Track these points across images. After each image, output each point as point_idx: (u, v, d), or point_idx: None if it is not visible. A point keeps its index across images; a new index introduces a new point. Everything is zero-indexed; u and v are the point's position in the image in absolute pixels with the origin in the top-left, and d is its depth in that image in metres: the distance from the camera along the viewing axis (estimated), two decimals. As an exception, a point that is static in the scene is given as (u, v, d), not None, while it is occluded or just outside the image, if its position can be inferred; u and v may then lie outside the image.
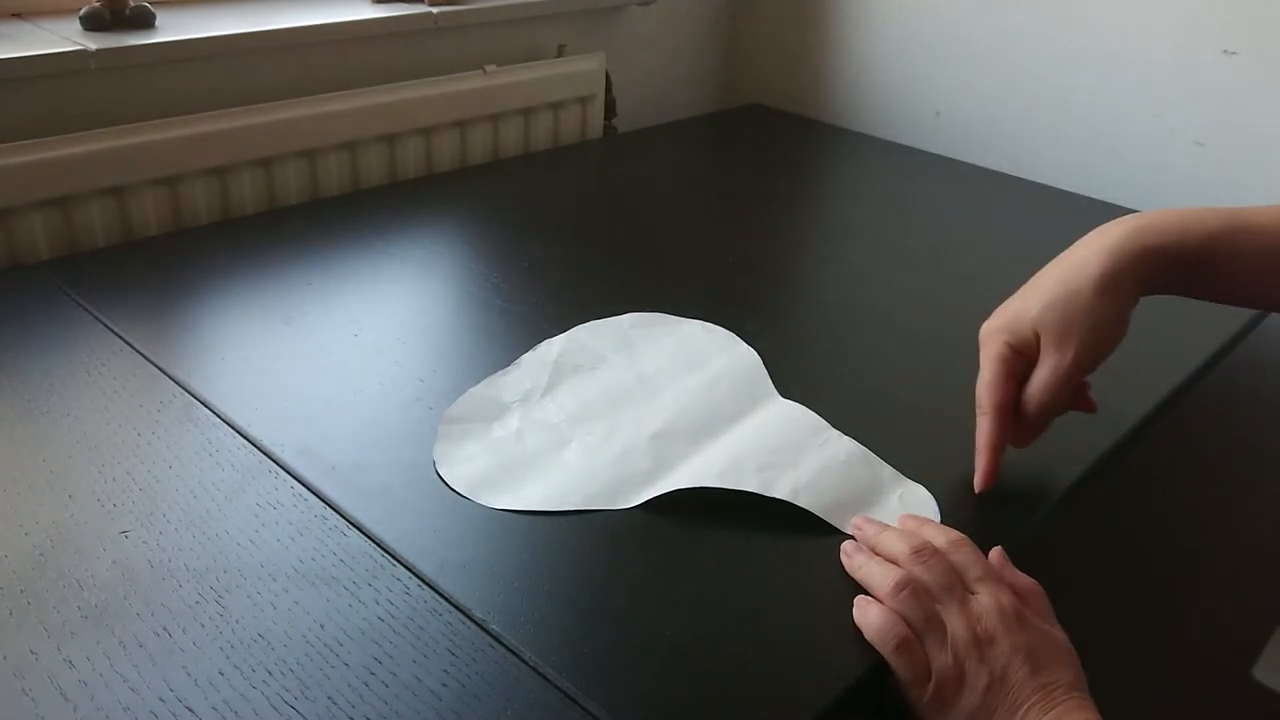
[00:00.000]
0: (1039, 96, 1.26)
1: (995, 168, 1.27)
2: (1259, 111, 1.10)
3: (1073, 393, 0.62)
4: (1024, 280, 0.64)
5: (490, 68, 1.17)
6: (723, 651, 0.51)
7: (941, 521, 0.60)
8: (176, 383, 0.70)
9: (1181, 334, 0.86)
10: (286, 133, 1.01)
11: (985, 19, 1.28)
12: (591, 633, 0.51)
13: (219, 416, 0.67)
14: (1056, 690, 0.50)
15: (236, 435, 0.65)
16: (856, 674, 0.51)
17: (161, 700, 0.46)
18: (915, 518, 0.60)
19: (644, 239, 1.02)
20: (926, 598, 0.52)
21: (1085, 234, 0.63)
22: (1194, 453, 1.19)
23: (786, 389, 0.73)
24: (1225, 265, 0.60)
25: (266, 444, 0.64)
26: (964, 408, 0.63)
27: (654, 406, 0.70)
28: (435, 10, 1.11)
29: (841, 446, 0.66)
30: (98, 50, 0.88)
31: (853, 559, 0.56)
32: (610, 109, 1.35)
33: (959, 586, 0.53)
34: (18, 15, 0.96)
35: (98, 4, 0.92)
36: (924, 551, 0.54)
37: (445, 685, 0.48)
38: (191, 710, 0.46)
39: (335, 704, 0.46)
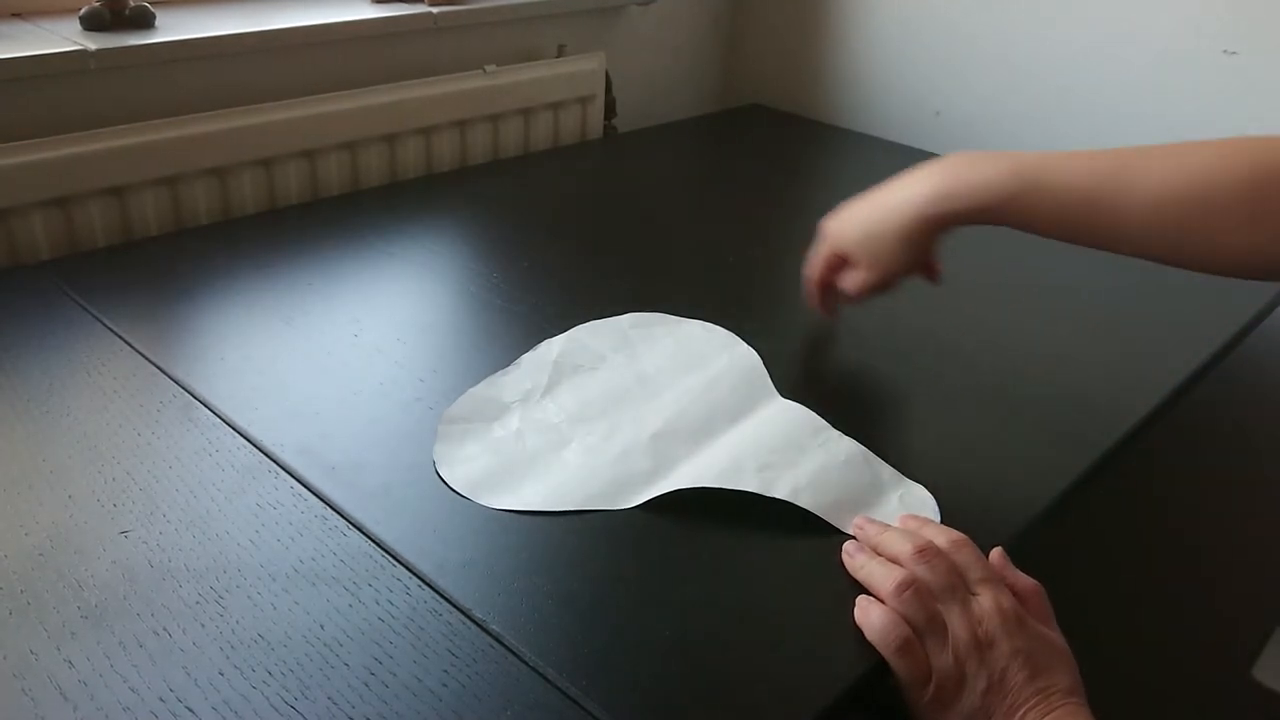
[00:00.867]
0: (1039, 96, 1.26)
1: (995, 168, 1.27)
2: (1259, 111, 1.10)
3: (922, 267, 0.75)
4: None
5: (490, 68, 1.17)
6: (723, 651, 0.51)
7: (941, 521, 0.60)
8: (176, 383, 0.70)
9: (1181, 334, 0.86)
10: (286, 133, 1.01)
11: (985, 19, 1.28)
12: (591, 633, 0.51)
13: (219, 416, 0.67)
14: (1054, 695, 0.50)
15: (236, 435, 0.65)
16: (857, 674, 0.51)
17: (161, 700, 0.46)
18: (916, 518, 0.60)
19: (644, 239, 1.02)
20: (929, 598, 0.52)
21: None
22: (1194, 452, 1.19)
23: (786, 389, 0.73)
24: (1019, 221, 0.67)
25: (266, 444, 0.64)
26: (964, 408, 0.63)
27: (654, 406, 0.70)
28: (435, 10, 1.11)
29: (841, 446, 0.66)
30: (98, 50, 0.88)
31: (854, 559, 0.56)
32: (610, 109, 1.35)
33: (961, 588, 0.53)
34: (18, 15, 0.96)
35: (98, 4, 0.92)
36: (927, 552, 0.54)
37: (445, 685, 0.48)
38: (191, 710, 0.46)
39: (335, 704, 0.46)
